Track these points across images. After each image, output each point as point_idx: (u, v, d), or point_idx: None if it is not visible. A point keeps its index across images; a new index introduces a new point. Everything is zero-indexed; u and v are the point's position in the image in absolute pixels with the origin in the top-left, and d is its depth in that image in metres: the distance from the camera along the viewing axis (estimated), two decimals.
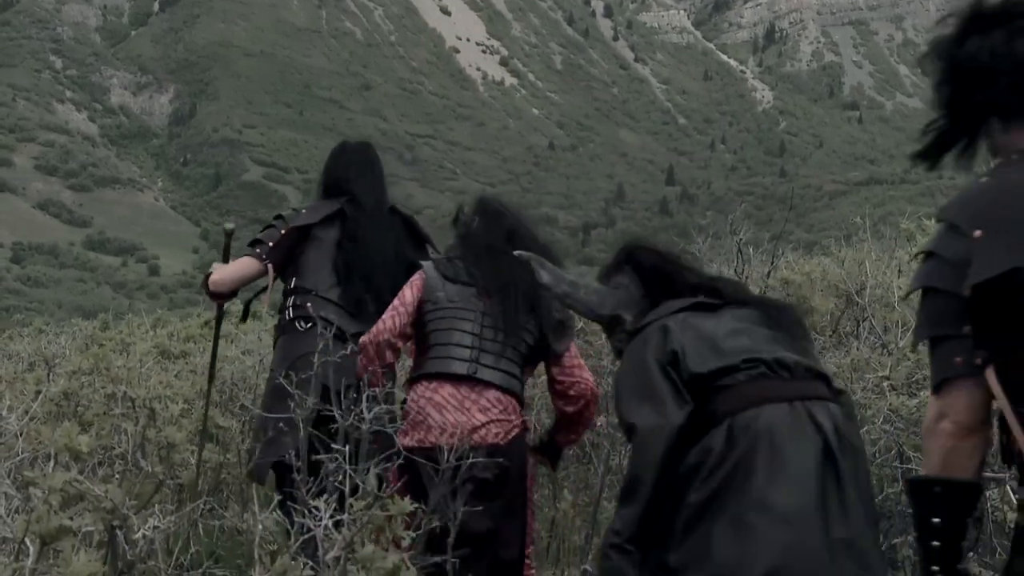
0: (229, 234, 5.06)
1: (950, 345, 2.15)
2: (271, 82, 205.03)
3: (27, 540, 2.51)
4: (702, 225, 7.86)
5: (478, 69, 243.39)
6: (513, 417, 3.73)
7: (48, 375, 6.61)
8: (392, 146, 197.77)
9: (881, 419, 4.85)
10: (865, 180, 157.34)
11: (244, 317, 5.49)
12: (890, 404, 4.83)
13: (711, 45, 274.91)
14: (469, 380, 3.71)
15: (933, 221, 2.21)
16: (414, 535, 2.93)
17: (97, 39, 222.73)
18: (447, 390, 3.71)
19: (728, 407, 2.75)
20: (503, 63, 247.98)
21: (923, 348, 2.28)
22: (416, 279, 3.90)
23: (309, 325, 4.41)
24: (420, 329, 3.85)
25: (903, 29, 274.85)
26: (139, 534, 2.85)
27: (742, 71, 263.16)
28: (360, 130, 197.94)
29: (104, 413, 5.32)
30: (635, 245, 3.40)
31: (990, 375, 2.08)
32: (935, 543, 2.20)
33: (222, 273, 4.70)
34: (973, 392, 2.13)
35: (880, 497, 5.04)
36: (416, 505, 2.89)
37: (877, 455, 4.95)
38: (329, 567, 2.69)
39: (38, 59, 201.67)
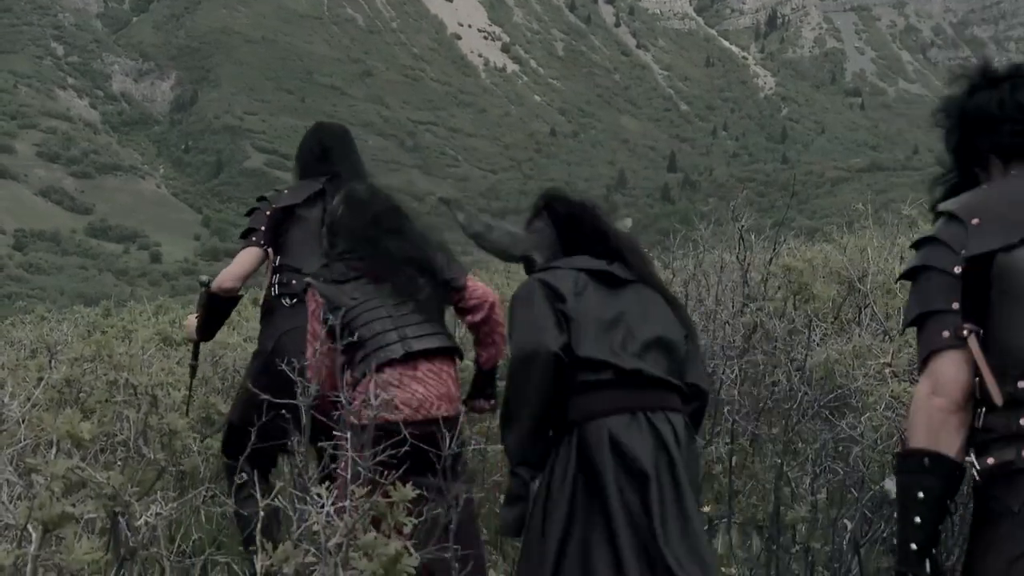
0: (205, 286, 4.99)
1: (939, 319, 2.31)
2: (273, 69, 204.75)
3: (29, 527, 2.50)
4: (704, 211, 7.86)
5: (480, 55, 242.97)
6: (452, 388, 3.88)
7: (50, 362, 6.61)
8: (394, 133, 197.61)
9: (883, 406, 4.85)
10: (867, 166, 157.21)
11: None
12: (892, 391, 4.83)
13: (713, 31, 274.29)
14: (404, 357, 3.83)
15: (932, 215, 2.47)
16: (416, 521, 2.94)
17: (98, 25, 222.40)
18: (386, 372, 3.81)
19: (578, 414, 3.16)
20: (505, 49, 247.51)
21: (916, 340, 2.43)
22: (313, 308, 3.99)
23: (295, 301, 4.53)
24: (348, 333, 3.92)
25: (905, 15, 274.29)
26: (141, 521, 2.85)
27: (744, 57, 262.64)
28: (362, 116, 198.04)
29: (106, 400, 5.32)
30: (553, 195, 3.70)
31: (973, 342, 2.25)
32: (917, 519, 2.31)
33: (227, 274, 4.70)
34: (960, 365, 2.28)
35: (882, 483, 5.05)
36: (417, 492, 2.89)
37: (879, 442, 4.95)
38: (331, 554, 2.69)
39: (39, 46, 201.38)
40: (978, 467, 2.29)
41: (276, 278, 4.67)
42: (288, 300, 4.60)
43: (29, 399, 4.31)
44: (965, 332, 2.28)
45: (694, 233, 8.01)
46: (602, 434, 3.10)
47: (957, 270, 2.30)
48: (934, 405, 2.30)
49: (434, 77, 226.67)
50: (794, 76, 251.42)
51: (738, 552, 5.04)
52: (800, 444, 5.38)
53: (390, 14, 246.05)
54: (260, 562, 2.58)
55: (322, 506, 2.70)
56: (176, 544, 3.27)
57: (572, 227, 3.59)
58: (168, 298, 21.14)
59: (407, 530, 2.86)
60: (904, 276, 2.45)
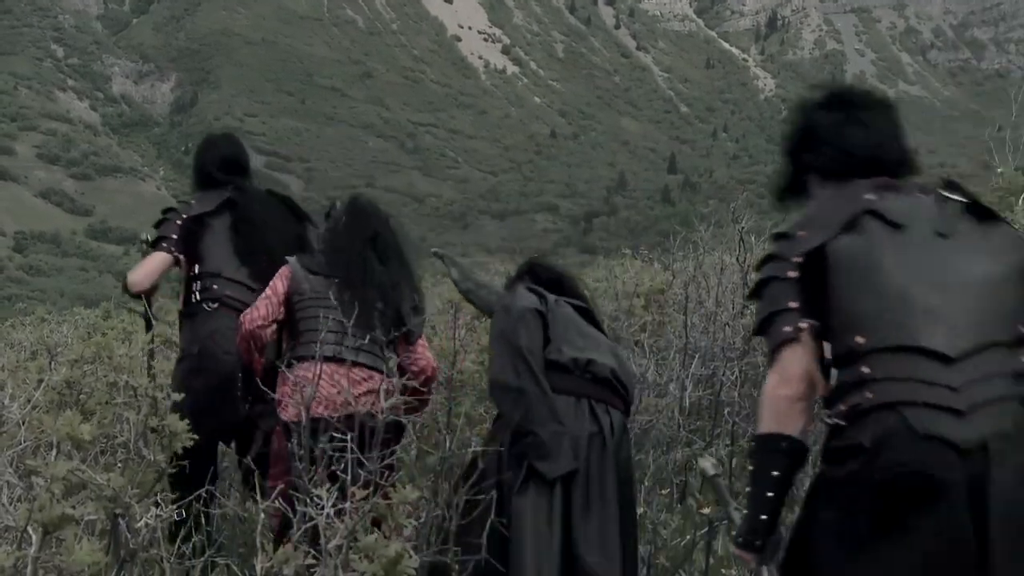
0: (144, 241, 5.26)
1: (781, 318, 2.68)
2: (273, 70, 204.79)
3: (30, 528, 2.51)
4: (704, 213, 7.87)
5: (480, 57, 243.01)
6: (376, 389, 4.08)
7: (50, 364, 6.61)
8: (394, 134, 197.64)
9: None
10: None
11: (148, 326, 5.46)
12: None
13: (713, 33, 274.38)
14: (336, 360, 4.10)
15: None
16: (415, 523, 2.94)
17: (98, 27, 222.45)
18: (313, 364, 4.01)
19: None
20: (505, 51, 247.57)
21: None
22: (284, 272, 4.34)
23: (216, 305, 4.82)
24: (290, 317, 4.29)
25: (905, 17, 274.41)
26: (141, 523, 2.85)
27: (744, 59, 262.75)
28: (362, 118, 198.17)
29: (106, 402, 5.32)
30: (535, 261, 4.21)
31: (808, 337, 2.65)
32: (770, 494, 2.68)
33: (138, 273, 4.96)
34: (802, 357, 2.65)
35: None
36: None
37: None
38: (331, 556, 2.69)
39: (39, 47, 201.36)
40: (832, 413, 2.63)
41: (196, 285, 4.90)
42: (209, 305, 4.84)
43: (29, 401, 4.32)
44: (803, 326, 2.65)
45: (694, 235, 8.02)
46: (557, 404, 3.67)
47: (792, 274, 2.69)
48: (780, 395, 2.65)
49: (434, 79, 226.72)
50: (794, 78, 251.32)
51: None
52: None
53: (390, 16, 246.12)
54: (260, 563, 2.58)
55: (322, 508, 2.71)
56: (176, 546, 3.27)
57: (551, 289, 4.01)
58: (168, 300, 21.11)
59: (408, 532, 2.87)
60: (752, 295, 2.83)
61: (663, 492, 5.76)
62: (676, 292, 8.09)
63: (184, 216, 4.98)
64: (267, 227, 4.93)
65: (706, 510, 5.14)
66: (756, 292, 2.80)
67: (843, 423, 2.60)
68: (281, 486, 3.73)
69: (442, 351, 6.79)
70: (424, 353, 4.46)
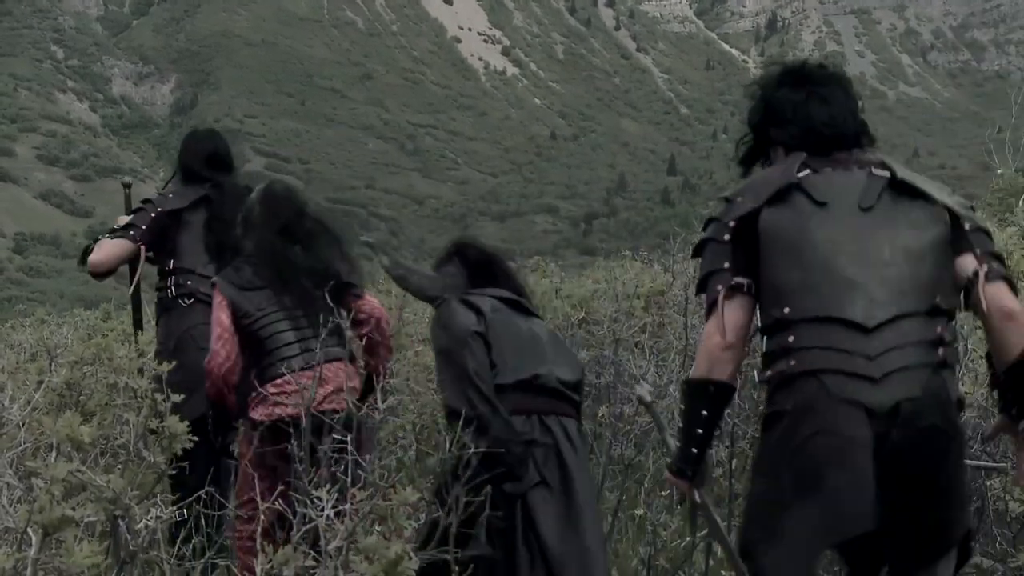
0: (128, 186, 5.66)
1: (716, 276, 2.95)
2: (273, 72, 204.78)
3: (29, 530, 2.51)
4: (704, 215, 7.85)
5: (480, 59, 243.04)
6: (345, 384, 4.19)
7: (50, 365, 6.60)
8: (394, 136, 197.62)
9: None
10: None
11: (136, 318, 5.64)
12: None
13: (713, 34, 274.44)
14: (308, 367, 4.14)
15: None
16: (416, 524, 2.94)
17: (98, 29, 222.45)
18: (287, 377, 4.14)
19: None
20: (505, 53, 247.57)
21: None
22: (221, 301, 4.29)
23: (191, 301, 4.92)
24: (245, 339, 4.28)
25: (905, 18, 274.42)
26: (141, 524, 2.85)
27: (744, 60, 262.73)
28: (362, 119, 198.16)
29: (106, 403, 5.32)
30: (463, 241, 4.23)
31: (742, 294, 2.91)
32: (699, 430, 2.98)
33: (99, 254, 5.04)
34: (735, 311, 2.92)
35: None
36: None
37: None
38: (331, 557, 2.69)
39: (39, 49, 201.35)
40: (761, 379, 2.94)
41: (172, 280, 5.01)
42: (185, 300, 4.95)
43: (29, 402, 4.31)
44: (735, 283, 2.92)
45: (694, 236, 8.01)
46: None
47: (727, 238, 2.95)
48: (714, 343, 2.93)
49: (434, 80, 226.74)
50: None
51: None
52: None
53: (390, 17, 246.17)
54: (260, 565, 2.58)
55: (322, 509, 2.71)
56: (176, 547, 3.27)
57: (481, 270, 4.10)
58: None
59: (408, 533, 2.87)
60: (694, 254, 3.09)
61: (663, 494, 5.76)
62: (676, 293, 8.10)
63: (159, 209, 5.04)
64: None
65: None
66: (697, 252, 3.06)
67: (773, 389, 2.88)
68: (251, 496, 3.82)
69: None
70: (371, 302, 4.55)
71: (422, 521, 3.26)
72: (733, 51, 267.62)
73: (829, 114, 3.06)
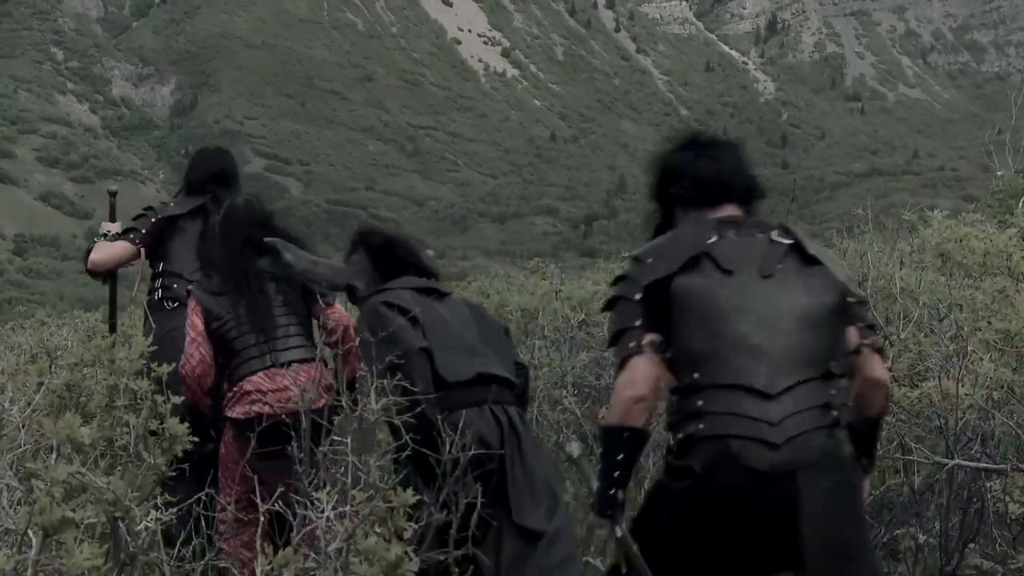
0: (113, 194, 5.98)
1: (628, 334, 3.15)
2: (273, 73, 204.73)
3: (29, 532, 2.51)
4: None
5: (480, 60, 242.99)
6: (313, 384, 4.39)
7: (50, 367, 6.60)
8: (394, 137, 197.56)
9: None
10: (867, 171, 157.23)
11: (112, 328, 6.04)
12: (892, 395, 4.83)
13: (713, 36, 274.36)
14: (276, 365, 4.44)
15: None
16: (416, 526, 2.94)
17: (98, 30, 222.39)
18: (259, 376, 4.42)
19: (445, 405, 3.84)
20: (505, 54, 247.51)
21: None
22: (193, 306, 4.55)
23: (176, 304, 5.15)
24: (218, 343, 4.51)
25: (905, 20, 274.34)
26: (141, 526, 2.85)
27: (744, 62, 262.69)
28: (362, 121, 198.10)
29: (107, 405, 5.31)
30: (366, 229, 4.43)
31: (650, 351, 3.11)
32: (616, 473, 3.14)
33: (100, 254, 5.36)
34: (645, 366, 3.11)
35: (882, 488, 5.04)
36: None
37: (879, 447, 4.94)
38: (331, 559, 2.69)
39: (39, 50, 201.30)
40: (672, 440, 3.13)
41: (159, 283, 5.30)
42: (170, 303, 5.21)
43: (29, 404, 4.31)
44: (646, 341, 3.12)
45: None
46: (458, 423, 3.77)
47: (638, 297, 3.15)
48: (627, 396, 3.11)
49: (434, 82, 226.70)
50: (794, 81, 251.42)
51: None
52: None
53: (390, 19, 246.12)
54: (260, 566, 2.58)
55: (322, 511, 2.71)
56: (176, 549, 3.27)
57: (385, 255, 4.27)
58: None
59: (408, 535, 2.87)
60: (605, 307, 3.30)
61: None
62: None
63: (160, 216, 5.35)
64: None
65: None
66: (608, 307, 3.27)
67: (680, 447, 3.09)
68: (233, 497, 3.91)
69: None
70: (339, 310, 4.75)
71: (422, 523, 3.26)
72: (733, 53, 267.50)
73: (717, 169, 3.34)
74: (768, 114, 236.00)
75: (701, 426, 3.05)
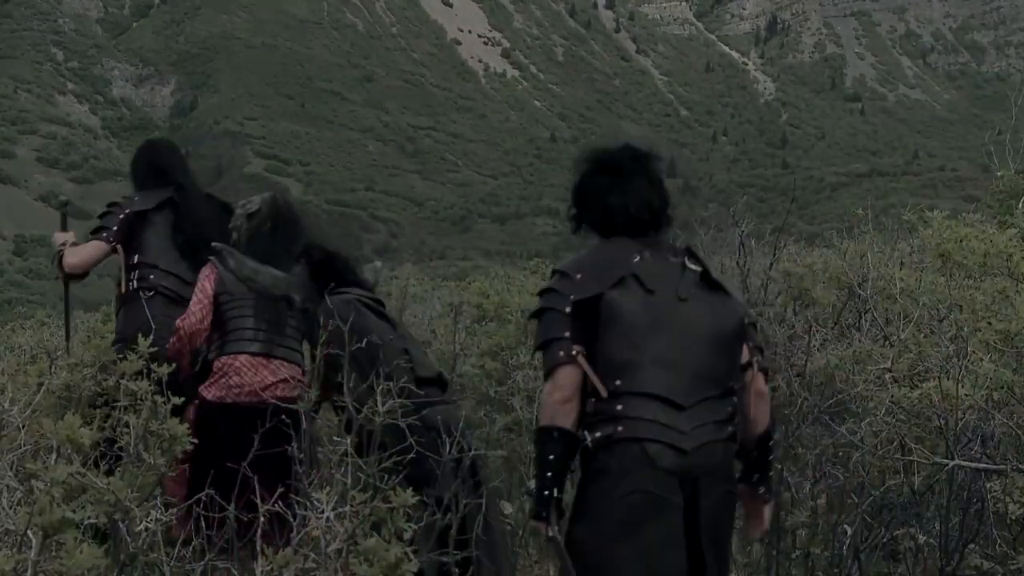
0: (63, 205, 6.35)
1: (557, 344, 3.39)
2: (272, 74, 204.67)
3: (30, 532, 2.50)
4: (704, 217, 7.85)
5: (480, 61, 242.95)
6: (291, 377, 4.71)
7: (50, 367, 6.60)
8: (394, 138, 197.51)
9: (883, 411, 4.85)
10: (867, 172, 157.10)
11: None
12: (892, 396, 4.83)
13: (713, 37, 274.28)
14: (262, 354, 4.69)
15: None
16: (415, 527, 2.94)
17: (98, 31, 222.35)
18: (244, 358, 4.66)
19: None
20: (505, 55, 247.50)
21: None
22: (209, 273, 4.80)
23: (151, 294, 5.34)
24: (217, 314, 4.75)
25: (905, 20, 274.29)
26: (141, 526, 2.85)
27: (744, 63, 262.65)
28: (361, 122, 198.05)
29: (106, 404, 5.31)
30: (310, 244, 4.67)
31: (581, 359, 3.34)
32: (549, 474, 3.34)
33: (76, 257, 5.54)
34: (571, 374, 3.35)
35: (882, 489, 5.04)
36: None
37: (879, 447, 4.94)
38: (331, 559, 2.69)
39: (39, 51, 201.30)
40: (589, 440, 3.34)
41: (135, 274, 5.42)
42: (146, 292, 5.36)
43: (29, 404, 4.31)
44: (575, 352, 3.36)
45: (694, 238, 8.00)
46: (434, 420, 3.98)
47: (567, 309, 3.39)
48: (554, 399, 3.35)
49: (434, 82, 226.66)
50: (794, 81, 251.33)
51: (738, 558, 5.03)
52: (800, 449, 5.37)
53: (390, 19, 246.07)
54: (260, 567, 2.58)
55: (322, 511, 2.71)
56: (176, 549, 3.26)
57: (325, 269, 4.50)
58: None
59: (407, 535, 2.87)
60: (532, 316, 3.54)
61: None
62: None
63: (127, 211, 5.51)
64: (207, 227, 5.31)
65: None
66: (536, 316, 3.51)
67: (599, 448, 3.33)
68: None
69: (442, 355, 6.79)
70: None
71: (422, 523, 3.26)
72: (733, 53, 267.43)
73: (624, 203, 3.55)
74: (768, 115, 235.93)
75: (620, 428, 3.31)
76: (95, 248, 5.53)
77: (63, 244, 5.66)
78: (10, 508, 2.93)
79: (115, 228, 5.49)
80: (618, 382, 3.35)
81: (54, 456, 2.83)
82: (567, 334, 3.38)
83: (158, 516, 2.89)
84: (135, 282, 5.41)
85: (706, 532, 3.32)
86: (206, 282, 4.77)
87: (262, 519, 3.24)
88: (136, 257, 5.45)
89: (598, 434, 3.34)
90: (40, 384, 5.27)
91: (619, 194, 3.57)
